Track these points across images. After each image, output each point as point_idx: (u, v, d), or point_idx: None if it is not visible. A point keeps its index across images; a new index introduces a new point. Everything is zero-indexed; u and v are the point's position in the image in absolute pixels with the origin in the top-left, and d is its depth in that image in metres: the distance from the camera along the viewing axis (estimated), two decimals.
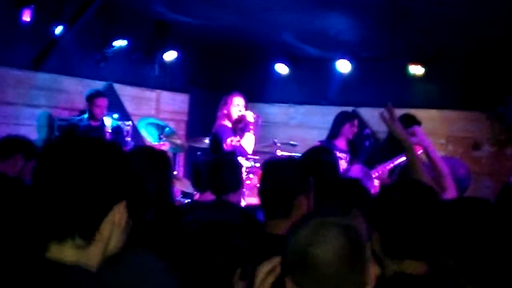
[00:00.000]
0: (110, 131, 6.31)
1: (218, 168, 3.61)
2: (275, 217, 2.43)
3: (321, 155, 3.63)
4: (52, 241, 1.31)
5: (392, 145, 5.66)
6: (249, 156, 6.04)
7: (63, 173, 1.31)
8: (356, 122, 6.19)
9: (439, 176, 3.11)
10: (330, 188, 2.71)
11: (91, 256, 1.33)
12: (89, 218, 1.32)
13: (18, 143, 3.69)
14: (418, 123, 5.48)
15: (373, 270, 1.56)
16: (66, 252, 1.31)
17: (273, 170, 2.58)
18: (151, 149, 3.08)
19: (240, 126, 5.92)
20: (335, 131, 6.11)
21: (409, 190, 2.01)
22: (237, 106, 5.88)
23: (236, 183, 3.61)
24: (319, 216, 1.56)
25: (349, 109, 7.95)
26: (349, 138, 6.14)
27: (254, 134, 5.86)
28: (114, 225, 1.36)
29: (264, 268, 1.66)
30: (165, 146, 6.51)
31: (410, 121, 5.26)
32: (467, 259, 1.84)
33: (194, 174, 4.10)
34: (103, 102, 6.31)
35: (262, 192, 2.53)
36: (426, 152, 3.24)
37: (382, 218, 1.95)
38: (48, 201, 1.31)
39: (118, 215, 1.36)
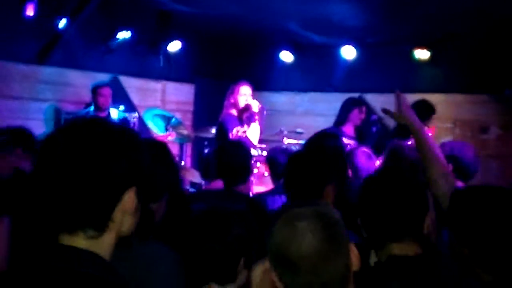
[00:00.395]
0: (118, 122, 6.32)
1: (228, 155, 3.61)
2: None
3: (326, 140, 3.63)
4: (62, 233, 1.27)
5: (401, 131, 5.71)
6: (255, 145, 6.04)
7: (68, 164, 1.24)
8: (364, 108, 6.08)
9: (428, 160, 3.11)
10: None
11: (104, 245, 1.29)
12: (101, 208, 1.26)
13: (17, 136, 3.57)
14: (432, 110, 5.46)
15: (355, 252, 1.53)
16: (78, 242, 1.27)
17: (305, 159, 2.61)
18: (150, 141, 3.08)
19: (246, 116, 5.89)
20: (342, 117, 6.00)
21: (394, 175, 2.01)
22: (244, 95, 5.83)
23: (246, 171, 3.60)
24: (292, 207, 1.56)
25: (355, 95, 7.95)
26: (357, 124, 6.04)
27: (260, 124, 5.83)
28: (125, 212, 1.31)
29: (258, 269, 1.66)
30: (172, 136, 6.52)
31: (426, 109, 5.28)
32: (482, 247, 1.84)
33: (203, 163, 4.11)
34: (106, 91, 6.34)
35: (292, 181, 2.56)
36: (415, 135, 3.23)
37: (368, 204, 1.96)
38: (54, 194, 1.25)
39: (129, 202, 1.31)
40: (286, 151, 4.42)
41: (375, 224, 1.92)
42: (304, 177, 2.52)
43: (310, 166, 2.54)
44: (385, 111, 2.83)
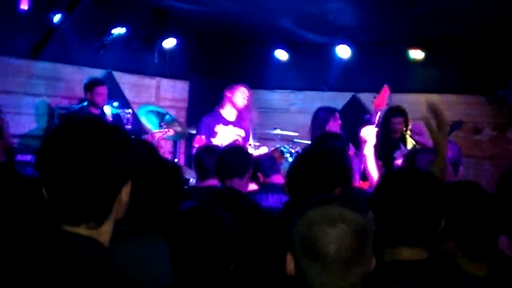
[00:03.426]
0: (111, 119, 6.30)
1: (226, 154, 3.59)
2: None
3: (327, 141, 3.63)
4: (65, 224, 1.36)
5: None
6: (250, 143, 6.10)
7: (72, 163, 1.32)
8: (337, 114, 5.72)
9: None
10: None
11: (103, 233, 1.39)
12: (102, 203, 1.36)
13: None
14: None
15: (373, 264, 1.56)
16: (79, 231, 1.35)
17: (317, 161, 2.58)
18: (137, 140, 3.07)
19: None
20: (319, 131, 5.51)
21: (409, 179, 1.98)
22: (244, 96, 5.97)
23: (242, 170, 3.58)
24: (324, 203, 1.55)
25: (349, 94, 7.96)
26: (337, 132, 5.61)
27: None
28: (121, 203, 1.42)
29: None
30: (170, 133, 6.50)
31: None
32: (468, 237, 1.92)
33: (197, 162, 4.06)
34: (103, 90, 6.27)
35: (299, 182, 2.53)
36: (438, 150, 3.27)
37: (380, 206, 1.94)
38: (60, 191, 1.33)
39: (125, 195, 1.42)
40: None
41: (392, 226, 1.91)
42: (314, 179, 2.50)
43: (320, 168, 2.53)
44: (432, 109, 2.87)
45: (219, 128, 5.93)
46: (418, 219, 1.88)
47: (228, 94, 5.98)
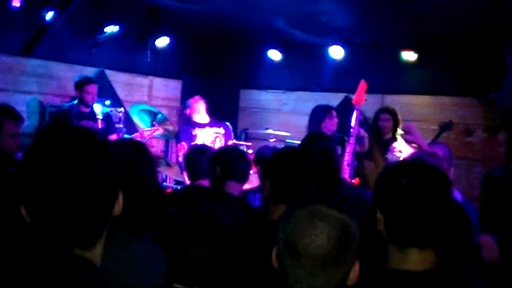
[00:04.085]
0: (101, 117, 6.26)
1: (225, 158, 3.57)
2: (282, 202, 2.45)
3: (316, 142, 3.62)
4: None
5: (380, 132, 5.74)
6: (240, 143, 6.19)
7: (61, 182, 1.20)
8: (334, 112, 5.76)
9: None
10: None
11: (96, 254, 1.32)
12: (97, 227, 1.28)
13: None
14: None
15: (356, 270, 1.54)
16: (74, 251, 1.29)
17: (301, 159, 2.57)
18: (128, 141, 3.03)
19: None
20: (315, 129, 5.57)
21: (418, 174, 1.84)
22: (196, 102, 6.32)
23: (242, 173, 3.55)
24: (313, 203, 1.55)
25: (342, 95, 7.96)
26: (332, 131, 5.67)
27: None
28: (114, 215, 1.35)
29: None
30: (159, 131, 6.54)
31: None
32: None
33: (188, 162, 4.03)
34: (93, 88, 6.22)
35: (285, 180, 2.50)
36: (420, 148, 3.28)
37: (389, 202, 1.82)
38: (45, 214, 1.22)
39: (118, 206, 1.35)
40: (274, 149, 4.41)
41: (402, 225, 1.80)
42: (290, 178, 2.50)
43: (295, 168, 2.52)
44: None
45: (196, 131, 6.14)
46: (429, 218, 1.78)
47: (186, 111, 6.31)
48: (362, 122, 6.17)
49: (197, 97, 6.37)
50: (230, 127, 6.42)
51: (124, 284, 1.89)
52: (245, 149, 5.92)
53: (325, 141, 3.62)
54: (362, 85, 4.87)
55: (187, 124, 6.24)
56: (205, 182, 3.81)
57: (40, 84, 6.76)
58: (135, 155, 2.33)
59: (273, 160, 2.61)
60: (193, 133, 6.10)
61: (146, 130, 6.45)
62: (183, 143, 5.91)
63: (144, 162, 2.36)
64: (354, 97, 4.96)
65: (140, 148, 2.45)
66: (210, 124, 6.25)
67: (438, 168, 1.90)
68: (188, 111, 6.28)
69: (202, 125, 6.21)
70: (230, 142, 6.19)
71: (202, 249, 1.88)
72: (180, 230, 1.93)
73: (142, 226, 2.15)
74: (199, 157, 3.90)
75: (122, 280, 1.94)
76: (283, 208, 2.39)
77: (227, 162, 3.50)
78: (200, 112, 6.25)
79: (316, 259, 1.46)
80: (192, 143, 5.83)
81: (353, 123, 4.87)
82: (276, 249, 1.57)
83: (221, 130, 6.27)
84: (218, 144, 6.05)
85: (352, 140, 4.89)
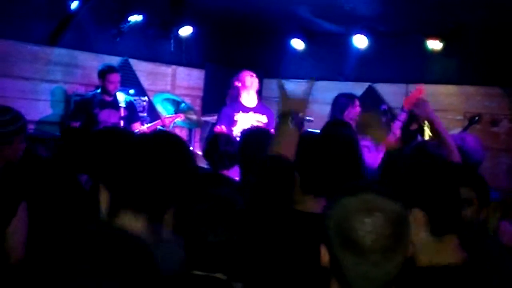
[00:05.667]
0: (124, 106, 6.31)
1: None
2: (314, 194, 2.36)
3: (335, 130, 3.60)
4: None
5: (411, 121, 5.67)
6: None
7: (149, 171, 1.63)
8: (356, 101, 5.71)
9: (447, 151, 3.05)
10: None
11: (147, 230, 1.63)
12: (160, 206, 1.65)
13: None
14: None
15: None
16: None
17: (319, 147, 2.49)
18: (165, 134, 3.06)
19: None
20: (337, 118, 5.54)
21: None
22: (250, 76, 6.05)
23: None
24: (366, 189, 1.51)
25: (366, 85, 7.90)
26: (354, 120, 5.61)
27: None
28: None
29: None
30: (180, 118, 6.54)
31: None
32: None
33: (210, 150, 4.02)
34: (115, 77, 6.26)
35: (316, 167, 2.38)
36: (432, 125, 3.19)
37: (424, 195, 1.83)
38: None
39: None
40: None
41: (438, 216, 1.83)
42: (329, 165, 2.38)
43: (324, 154, 2.41)
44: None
45: (238, 116, 5.92)
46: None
47: (238, 83, 6.01)
48: (385, 111, 6.13)
49: (250, 72, 6.08)
50: (275, 115, 6.09)
51: None
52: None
53: (345, 129, 3.60)
54: (418, 90, 4.70)
55: (232, 105, 5.99)
56: (225, 173, 3.82)
57: (65, 73, 6.82)
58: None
59: (301, 150, 2.54)
60: (235, 118, 5.87)
61: (167, 117, 6.48)
62: (222, 126, 5.67)
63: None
64: (405, 99, 4.79)
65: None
66: (255, 110, 5.99)
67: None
68: (239, 84, 6.00)
69: (247, 109, 5.94)
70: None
71: (220, 234, 1.89)
72: (197, 216, 1.94)
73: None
74: (222, 147, 3.88)
75: None
76: (311, 199, 2.31)
77: None
78: (250, 89, 5.98)
79: (377, 251, 1.41)
80: (233, 128, 5.75)
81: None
82: (325, 246, 1.50)
83: (264, 119, 5.99)
84: None
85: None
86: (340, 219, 1.46)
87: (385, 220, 1.43)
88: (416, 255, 1.74)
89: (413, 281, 1.70)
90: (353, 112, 5.62)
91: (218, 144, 3.89)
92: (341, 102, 5.69)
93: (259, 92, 8.58)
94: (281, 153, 2.20)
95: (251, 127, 4.99)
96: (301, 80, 8.64)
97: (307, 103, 2.50)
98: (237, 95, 6.02)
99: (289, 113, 2.39)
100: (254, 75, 6.09)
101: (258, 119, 5.96)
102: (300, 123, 2.33)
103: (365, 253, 1.41)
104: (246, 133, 3.82)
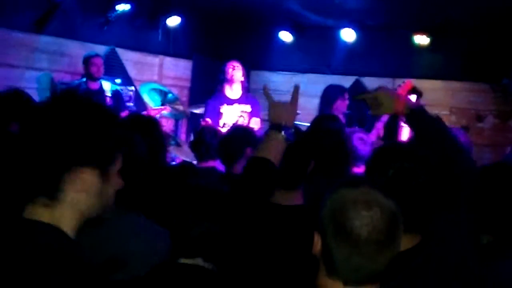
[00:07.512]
0: (110, 95, 6.30)
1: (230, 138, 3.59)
2: (289, 189, 2.48)
3: (323, 123, 3.62)
4: (27, 202, 1.35)
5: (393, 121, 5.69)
6: (256, 121, 6.12)
7: (33, 128, 1.36)
8: (346, 94, 5.69)
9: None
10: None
11: (62, 218, 1.35)
12: (48, 175, 1.33)
13: None
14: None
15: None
16: (38, 212, 1.34)
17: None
18: (139, 115, 3.08)
19: None
20: (326, 109, 5.54)
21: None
22: (233, 67, 6.12)
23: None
24: (364, 184, 1.54)
25: (353, 78, 7.92)
26: (343, 112, 5.61)
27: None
28: (80, 190, 1.37)
29: None
30: (166, 110, 6.53)
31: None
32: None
33: (197, 142, 4.07)
34: (98, 60, 6.28)
35: (295, 163, 2.51)
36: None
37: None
38: (17, 156, 1.36)
39: (84, 181, 1.36)
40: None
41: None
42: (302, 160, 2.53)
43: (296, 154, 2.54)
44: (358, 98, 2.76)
45: (224, 108, 6.01)
46: (419, 203, 1.87)
47: (222, 76, 6.11)
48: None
49: (235, 63, 6.14)
50: (260, 103, 6.19)
51: (125, 262, 1.92)
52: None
53: (334, 123, 3.62)
54: (407, 84, 4.68)
55: (217, 97, 6.10)
56: (213, 163, 3.85)
57: (51, 61, 6.77)
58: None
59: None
60: (220, 111, 5.99)
61: (153, 109, 6.46)
62: (208, 119, 5.79)
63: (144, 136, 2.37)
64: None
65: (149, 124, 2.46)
66: (240, 100, 6.09)
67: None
68: (223, 77, 6.10)
69: (231, 102, 6.06)
70: (254, 120, 6.06)
71: (203, 222, 1.90)
72: (180, 206, 1.96)
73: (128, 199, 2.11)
74: (207, 138, 3.93)
75: (126, 258, 1.97)
76: (285, 193, 2.44)
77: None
78: (234, 81, 6.06)
79: (372, 244, 1.43)
80: (219, 120, 5.87)
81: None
82: (318, 234, 1.52)
83: (248, 108, 6.10)
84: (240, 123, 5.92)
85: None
86: (337, 210, 1.48)
87: (382, 215, 1.45)
88: None
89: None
90: (342, 105, 5.60)
91: (204, 137, 3.95)
92: (331, 94, 5.66)
93: (247, 84, 8.59)
94: (267, 157, 2.26)
95: (237, 125, 5.19)
96: (289, 73, 8.69)
97: (296, 112, 2.53)
98: (222, 88, 6.12)
99: (280, 126, 2.44)
100: (238, 65, 6.14)
101: (242, 110, 6.08)
102: (289, 135, 2.39)
103: (359, 245, 1.43)
104: (230, 130, 3.88)
